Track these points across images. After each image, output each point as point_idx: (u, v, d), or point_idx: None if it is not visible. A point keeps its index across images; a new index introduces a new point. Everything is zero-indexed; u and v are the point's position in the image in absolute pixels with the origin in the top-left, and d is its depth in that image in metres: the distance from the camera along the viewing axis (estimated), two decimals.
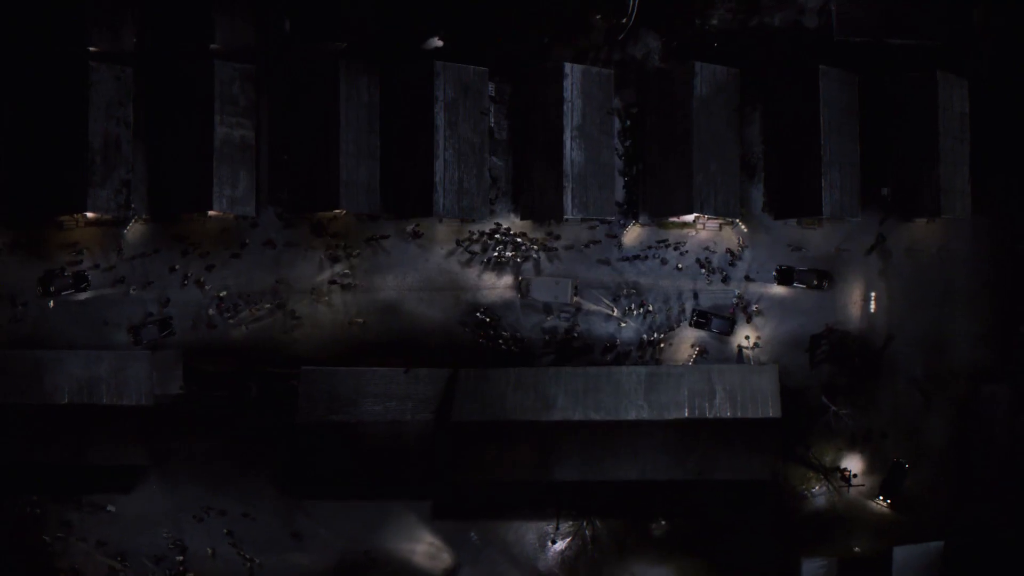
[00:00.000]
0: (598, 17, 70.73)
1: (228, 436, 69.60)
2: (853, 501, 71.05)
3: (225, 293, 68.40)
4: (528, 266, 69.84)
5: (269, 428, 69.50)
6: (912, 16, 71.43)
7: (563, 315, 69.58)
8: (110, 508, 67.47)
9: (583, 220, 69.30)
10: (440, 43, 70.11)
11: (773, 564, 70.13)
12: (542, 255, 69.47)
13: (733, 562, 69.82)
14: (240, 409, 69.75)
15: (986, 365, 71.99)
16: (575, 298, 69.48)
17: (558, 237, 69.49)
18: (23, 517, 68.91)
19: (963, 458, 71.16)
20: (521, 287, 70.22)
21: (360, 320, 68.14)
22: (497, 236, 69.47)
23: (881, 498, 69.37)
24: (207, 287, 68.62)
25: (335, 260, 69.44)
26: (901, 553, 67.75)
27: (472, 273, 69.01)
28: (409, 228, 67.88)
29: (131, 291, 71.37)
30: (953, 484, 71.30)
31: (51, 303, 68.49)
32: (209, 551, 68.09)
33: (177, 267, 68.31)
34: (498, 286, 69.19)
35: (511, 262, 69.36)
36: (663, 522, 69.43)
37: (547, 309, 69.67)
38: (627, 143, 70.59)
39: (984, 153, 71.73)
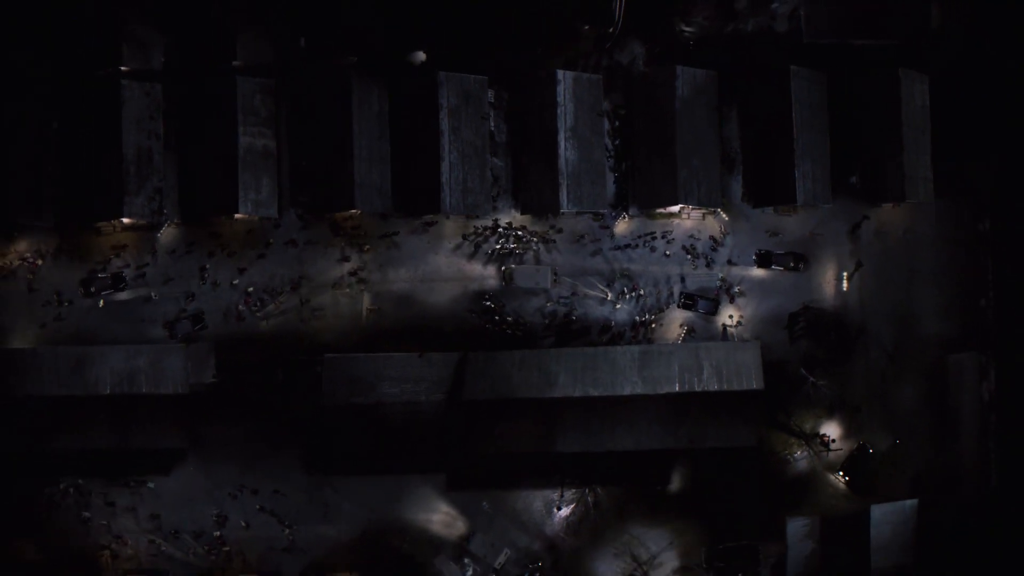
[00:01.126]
0: (586, 27, 72.13)
1: (258, 420, 71.21)
2: (830, 466, 72.05)
3: (252, 289, 70.03)
4: (529, 256, 70.87)
5: (296, 411, 70.66)
6: (875, 18, 72.92)
7: (562, 300, 71.20)
8: (150, 485, 68.98)
9: (578, 213, 70.97)
10: (424, 57, 71.48)
11: (760, 524, 70.92)
12: (541, 246, 71.22)
13: (724, 523, 71.46)
14: (269, 395, 70.87)
15: (952, 336, 73.78)
16: (555, 281, 70.53)
17: (560, 231, 71.27)
18: (63, 497, 69.75)
19: (934, 422, 71.91)
20: (505, 276, 71.89)
21: (375, 307, 70.09)
22: (500, 230, 71.39)
23: (841, 473, 71.26)
24: (235, 282, 69.74)
25: (352, 256, 70.80)
26: (878, 511, 69.81)
27: (478, 264, 71.03)
28: (423, 219, 70.12)
29: (152, 295, 70.76)
30: (925, 446, 72.30)
31: (101, 303, 70.02)
32: (243, 523, 69.22)
33: (207, 266, 70.20)
34: (498, 274, 71.64)
35: (513, 253, 71.14)
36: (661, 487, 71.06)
37: (547, 296, 70.98)
38: (616, 142, 72.58)
39: (944, 142, 72.47)
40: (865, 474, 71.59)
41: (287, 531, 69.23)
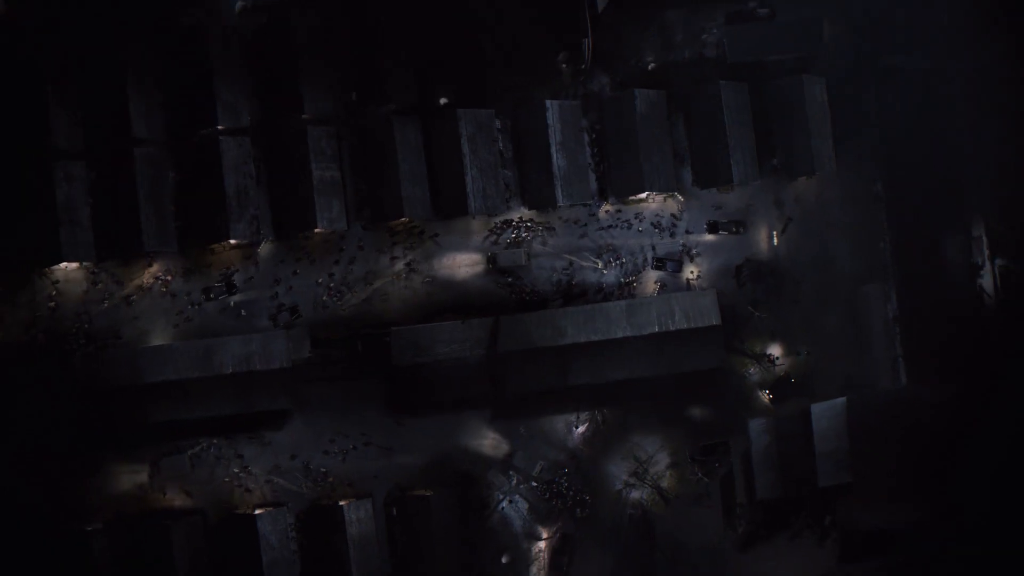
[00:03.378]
0: (565, 66, 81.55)
1: (346, 381, 78.67)
2: (761, 385, 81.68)
3: (333, 284, 79.63)
4: (538, 242, 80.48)
5: (374, 373, 78.45)
6: (780, 39, 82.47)
7: (565, 272, 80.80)
8: (268, 435, 78.05)
9: (571, 205, 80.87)
10: (446, 100, 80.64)
11: (729, 425, 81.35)
12: (545, 232, 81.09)
13: (700, 427, 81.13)
14: (352, 362, 78.75)
15: (861, 272, 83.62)
16: (528, 258, 79.42)
17: (566, 220, 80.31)
18: (202, 454, 78.68)
19: (853, 337, 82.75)
20: (489, 259, 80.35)
21: (429, 279, 79.44)
22: (513, 223, 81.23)
23: (767, 392, 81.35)
24: (320, 280, 78.92)
25: (405, 253, 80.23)
26: (817, 408, 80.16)
27: (500, 251, 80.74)
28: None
29: (241, 313, 77.83)
30: (848, 356, 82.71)
31: (232, 302, 78.25)
32: (341, 458, 79.09)
33: (297, 271, 78.98)
34: (516, 256, 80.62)
35: (525, 240, 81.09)
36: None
37: (552, 269, 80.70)
38: (595, 149, 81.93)
39: (842, 126, 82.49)
40: (785, 394, 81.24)
41: (383, 451, 77.72)
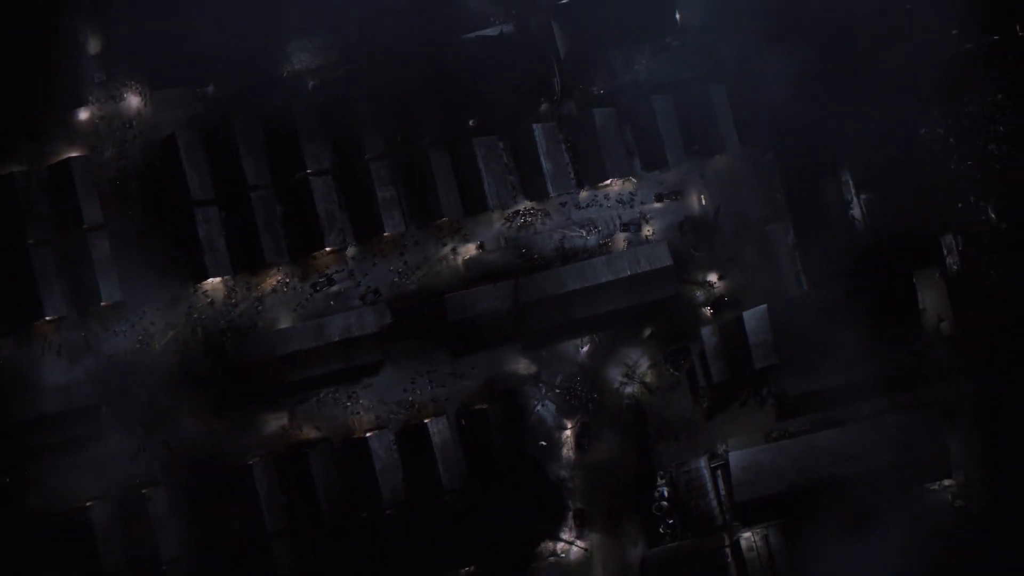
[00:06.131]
0: (543, 100, 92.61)
1: (418, 336, 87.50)
2: (703, 303, 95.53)
3: (401, 270, 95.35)
4: (539, 223, 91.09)
5: (437, 328, 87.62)
6: (689, 60, 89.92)
7: (560, 242, 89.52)
8: (369, 380, 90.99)
9: (559, 195, 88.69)
10: (472, 123, 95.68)
11: (686, 334, 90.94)
12: (543, 216, 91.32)
13: (667, 337, 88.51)
14: (420, 321, 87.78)
15: (764, 214, 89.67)
16: (506, 242, 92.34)
17: (557, 205, 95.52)
18: (324, 398, 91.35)
19: (766, 263, 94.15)
20: (479, 246, 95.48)
21: (468, 257, 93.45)
22: (520, 212, 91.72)
23: (709, 308, 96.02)
24: (391, 268, 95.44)
25: (448, 241, 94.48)
26: (747, 314, 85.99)
27: (513, 232, 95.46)
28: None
29: (330, 303, 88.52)
30: (762, 278, 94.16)
31: (340, 290, 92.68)
32: (420, 390, 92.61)
33: (375, 264, 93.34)
34: (525, 235, 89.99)
35: (528, 223, 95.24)
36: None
37: (551, 240, 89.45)
38: (571, 154, 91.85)
39: (740, 115, 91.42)
40: (723, 308, 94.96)
41: (450, 380, 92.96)
